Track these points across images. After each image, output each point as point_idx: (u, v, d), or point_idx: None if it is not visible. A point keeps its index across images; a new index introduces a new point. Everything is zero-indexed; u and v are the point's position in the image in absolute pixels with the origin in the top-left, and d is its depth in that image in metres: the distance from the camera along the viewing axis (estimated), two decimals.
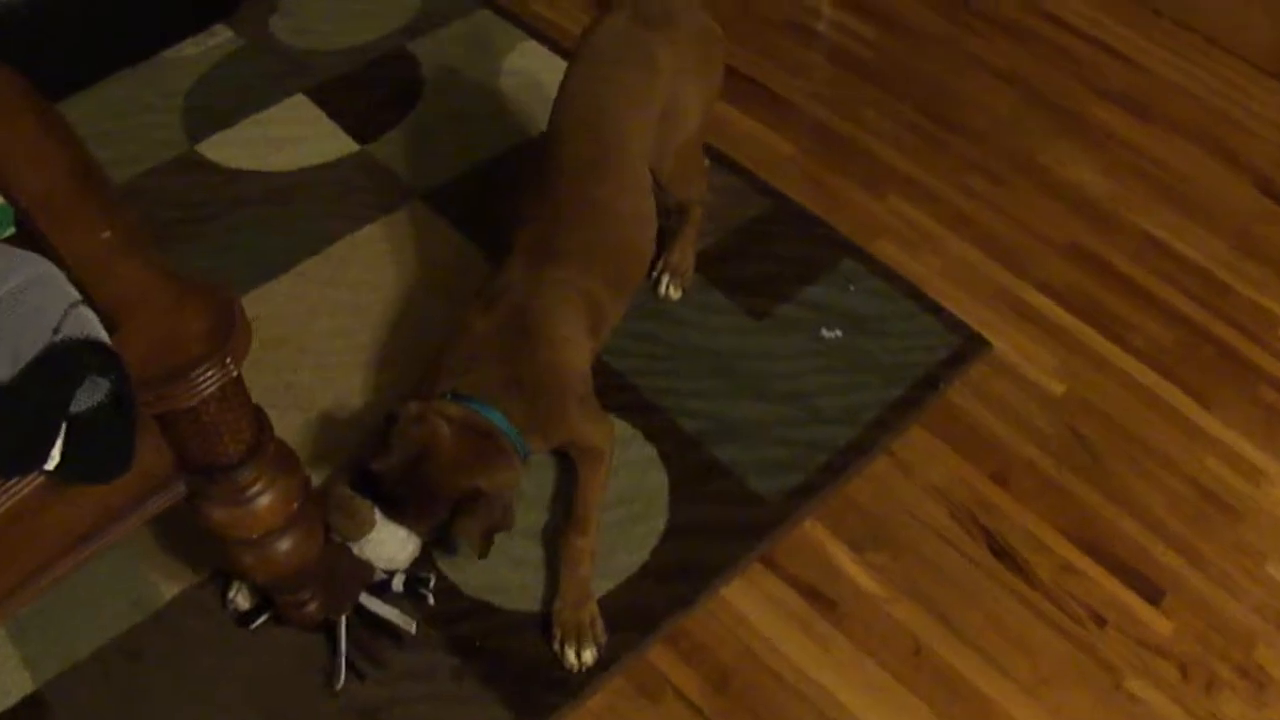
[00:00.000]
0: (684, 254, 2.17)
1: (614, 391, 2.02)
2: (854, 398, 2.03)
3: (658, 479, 1.92)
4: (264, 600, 1.74)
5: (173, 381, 1.19)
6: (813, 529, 1.89)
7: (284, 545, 1.47)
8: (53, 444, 1.12)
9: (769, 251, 2.25)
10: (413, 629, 1.72)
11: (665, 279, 2.16)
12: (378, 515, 1.71)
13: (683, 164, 2.01)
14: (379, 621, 1.72)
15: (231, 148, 2.41)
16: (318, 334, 2.10)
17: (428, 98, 2.53)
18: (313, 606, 1.69)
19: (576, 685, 1.71)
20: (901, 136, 2.51)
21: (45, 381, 1.11)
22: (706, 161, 2.22)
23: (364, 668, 1.70)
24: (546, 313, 1.79)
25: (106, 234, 1.30)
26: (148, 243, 1.31)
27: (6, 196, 1.32)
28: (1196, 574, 1.85)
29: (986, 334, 2.13)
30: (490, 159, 2.40)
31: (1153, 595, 1.82)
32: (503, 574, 1.81)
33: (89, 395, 1.12)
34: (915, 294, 2.19)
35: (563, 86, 1.92)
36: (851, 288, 2.20)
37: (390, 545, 1.73)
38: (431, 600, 1.75)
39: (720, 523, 1.87)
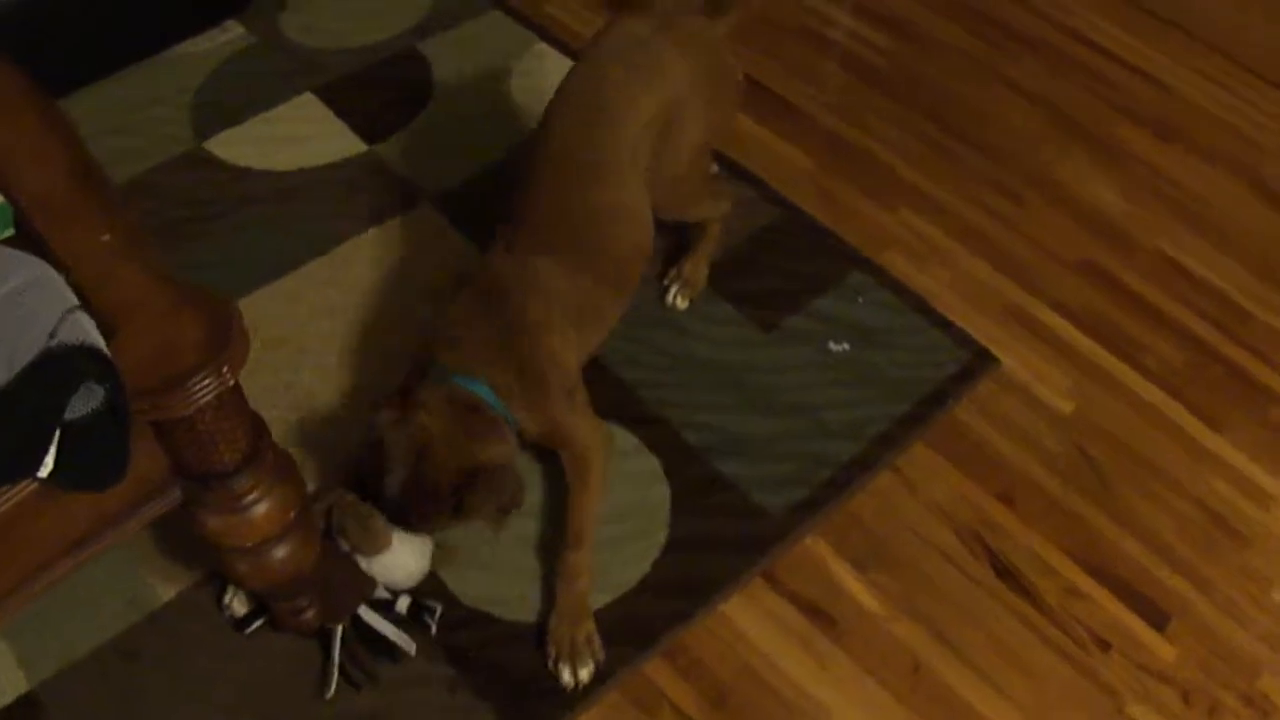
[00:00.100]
0: (696, 267, 2.15)
1: (618, 403, 2.00)
2: (860, 412, 2.01)
3: (660, 492, 1.90)
4: (260, 604, 1.73)
5: (168, 390, 1.17)
6: (815, 545, 1.87)
7: (280, 553, 1.46)
8: (46, 451, 1.11)
9: (778, 263, 2.24)
10: (412, 650, 1.70)
11: (674, 289, 2.14)
12: (395, 537, 1.70)
13: (674, 192, 1.97)
14: (378, 638, 1.70)
15: (239, 145, 2.40)
16: (319, 335, 2.09)
17: (437, 99, 2.51)
18: (309, 614, 1.68)
19: (572, 699, 1.69)
20: (915, 149, 2.49)
21: (40, 387, 1.10)
22: (717, 168, 2.20)
23: (358, 678, 1.69)
24: (529, 298, 1.77)
25: (106, 236, 1.29)
26: (147, 246, 1.30)
27: (6, 196, 1.31)
28: (1203, 599, 1.83)
29: (995, 351, 2.11)
30: (499, 163, 2.38)
31: (1158, 620, 1.80)
32: (502, 584, 1.80)
33: (84, 402, 1.11)
34: (924, 308, 2.17)
35: (565, 81, 1.90)
36: (860, 300, 2.18)
37: (400, 570, 1.72)
38: (434, 630, 1.74)
39: (722, 537, 1.86)
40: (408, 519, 1.68)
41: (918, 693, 1.72)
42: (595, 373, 2.03)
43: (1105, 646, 1.77)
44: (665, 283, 2.15)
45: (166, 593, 1.78)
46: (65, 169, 1.32)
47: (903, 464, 1.96)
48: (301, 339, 2.08)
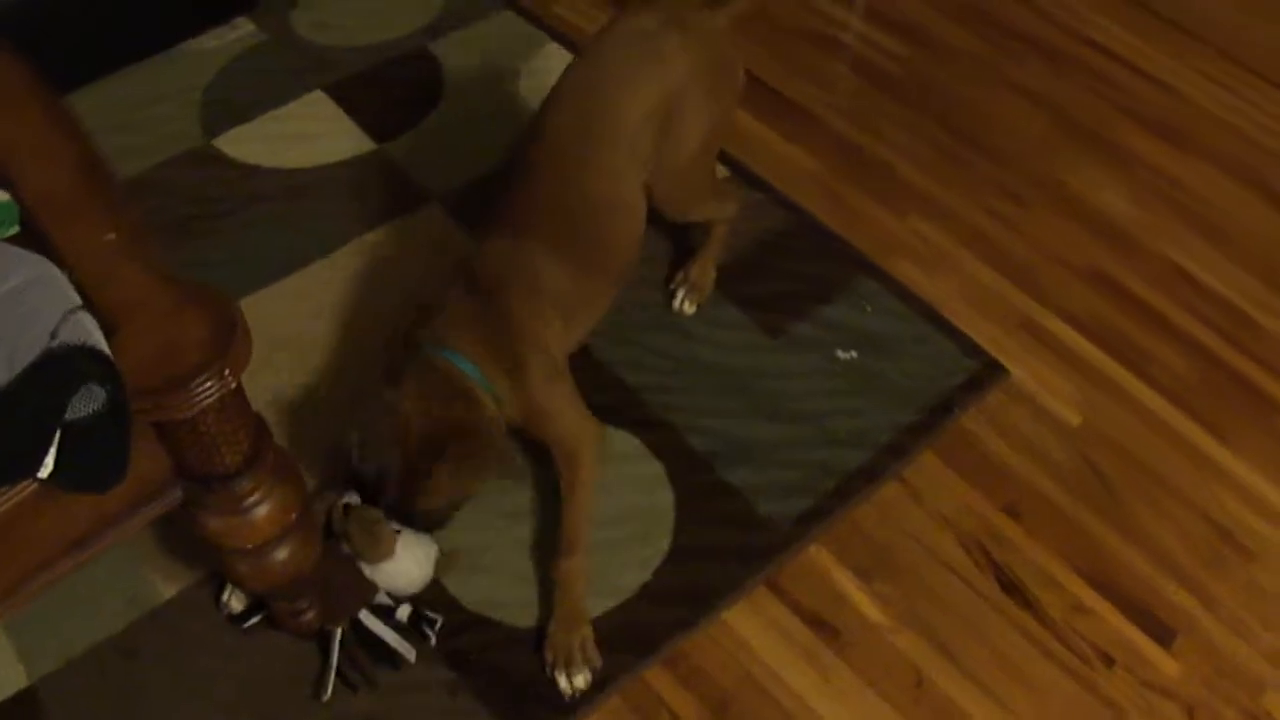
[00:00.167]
0: (704, 271, 2.14)
1: (623, 406, 2.00)
2: (866, 421, 2.00)
3: (664, 498, 1.90)
4: (258, 601, 1.72)
5: (170, 391, 1.17)
6: (819, 554, 1.86)
7: (280, 555, 1.46)
8: (46, 452, 1.10)
9: (786, 268, 2.22)
10: (411, 657, 1.70)
11: (681, 293, 2.13)
12: (399, 545, 1.69)
13: (679, 189, 1.95)
14: (378, 643, 1.70)
15: (248, 143, 2.39)
16: (325, 333, 2.08)
17: (447, 99, 2.50)
18: (309, 615, 1.67)
19: (572, 705, 1.68)
20: (925, 154, 2.47)
21: (40, 388, 1.09)
22: (724, 171, 2.19)
23: (355, 680, 1.69)
24: (518, 286, 1.76)
25: (110, 235, 1.28)
26: (150, 244, 1.29)
27: (11, 193, 1.31)
28: (1208, 615, 1.81)
29: (1003, 360, 2.10)
30: (506, 163, 2.37)
31: (1163, 636, 1.79)
32: (503, 589, 1.79)
33: (85, 403, 1.11)
34: (933, 316, 2.15)
35: (566, 71, 1.88)
36: (868, 308, 2.16)
37: (403, 578, 1.72)
38: (434, 641, 1.73)
39: (725, 545, 1.85)
40: (409, 506, 1.68)
41: (920, 706, 1.71)
42: (599, 375, 2.03)
43: (1109, 662, 1.76)
44: (672, 287, 2.14)
45: (167, 590, 1.78)
46: (71, 166, 1.31)
47: (909, 474, 1.95)
48: (307, 337, 2.08)
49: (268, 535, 1.41)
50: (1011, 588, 1.83)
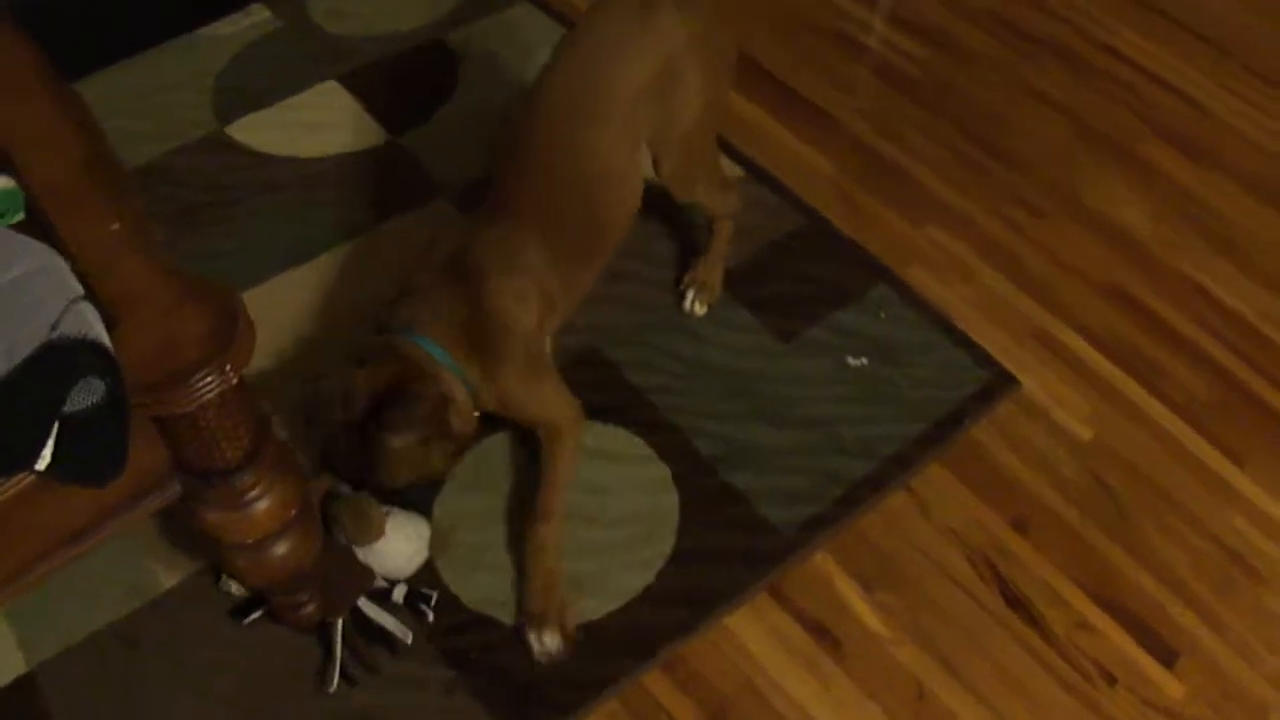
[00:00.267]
0: (711, 270, 2.13)
1: (629, 407, 1.98)
2: (876, 429, 1.98)
3: (669, 500, 1.88)
4: (258, 595, 1.72)
5: (170, 386, 1.16)
6: (823, 562, 1.85)
7: (280, 550, 1.45)
8: (44, 444, 1.10)
9: (799, 271, 2.21)
10: (409, 639, 1.70)
11: (691, 294, 2.11)
12: (388, 525, 1.69)
13: (684, 160, 1.93)
14: (375, 629, 1.70)
15: (261, 131, 2.38)
16: (333, 325, 2.07)
17: (463, 91, 2.49)
18: (309, 609, 1.67)
19: (568, 706, 1.67)
20: (944, 160, 2.45)
21: (39, 380, 1.08)
22: (726, 166, 2.17)
23: (356, 673, 1.68)
24: (500, 268, 1.75)
25: (115, 225, 1.27)
26: (153, 235, 1.28)
27: (18, 181, 1.30)
28: (1214, 638, 1.79)
29: (1016, 372, 2.08)
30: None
31: (1167, 657, 1.77)
32: (504, 587, 1.78)
33: (84, 396, 1.10)
34: (946, 326, 2.13)
35: (558, 46, 1.87)
36: (882, 315, 2.15)
37: (396, 557, 1.71)
38: (431, 618, 1.73)
39: (729, 550, 1.83)
40: (361, 469, 1.69)
41: (920, 718, 1.70)
42: (607, 375, 2.02)
43: (1112, 681, 1.74)
44: (681, 288, 2.13)
45: (168, 580, 1.77)
46: (77, 155, 1.30)
47: (917, 484, 1.93)
48: (315, 328, 2.07)
49: (268, 530, 1.41)
50: (1016, 602, 1.81)
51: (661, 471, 1.92)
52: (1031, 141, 2.51)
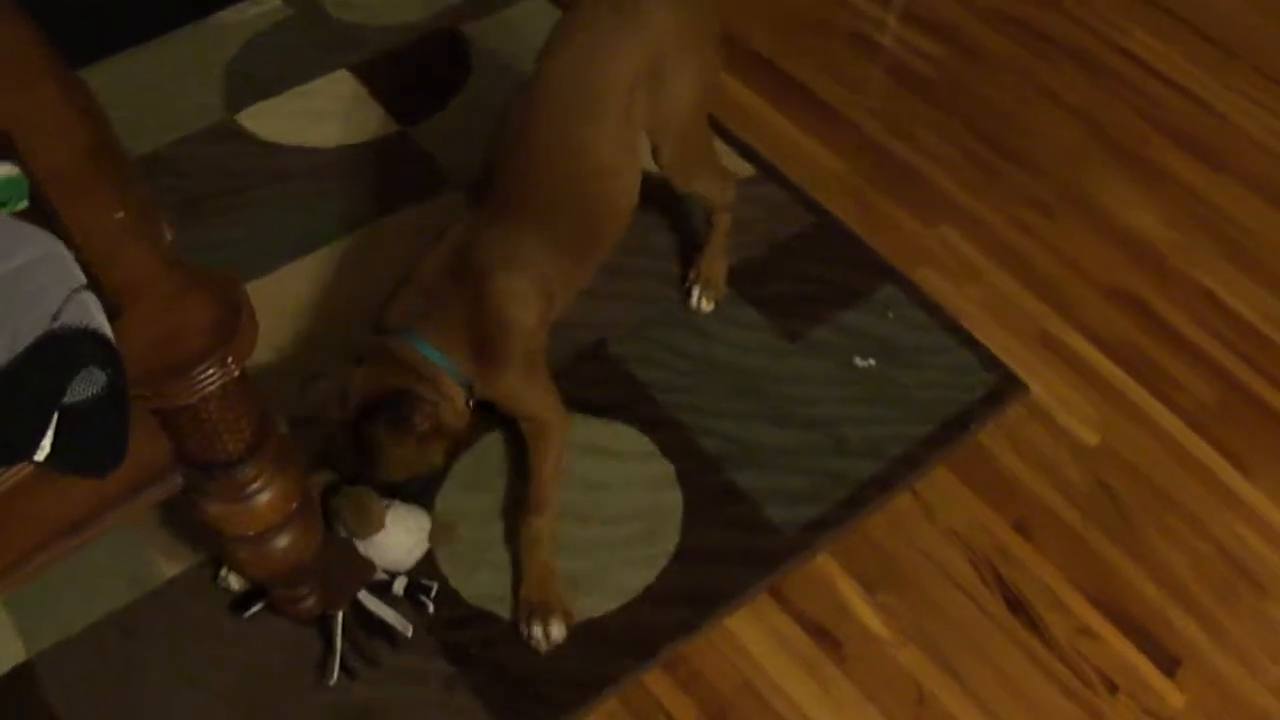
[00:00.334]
0: (714, 265, 2.12)
1: (634, 404, 1.98)
2: (881, 431, 1.97)
3: (672, 498, 1.88)
4: (258, 587, 1.71)
5: (171, 378, 1.16)
6: (825, 564, 1.84)
7: (281, 542, 1.45)
8: (44, 434, 1.09)
9: (808, 271, 2.20)
10: (409, 632, 1.69)
11: (697, 291, 2.10)
12: (389, 518, 1.69)
13: (683, 148, 1.92)
14: (376, 621, 1.69)
15: (270, 119, 2.38)
16: (338, 316, 2.07)
17: (474, 83, 2.48)
18: (309, 602, 1.66)
19: (568, 704, 1.67)
20: (956, 161, 2.44)
21: (40, 369, 1.08)
22: (736, 164, 2.16)
23: (356, 666, 1.68)
24: (500, 267, 1.75)
25: (120, 214, 1.27)
26: (158, 225, 1.28)
27: (23, 168, 1.29)
28: (1216, 647, 1.78)
29: (1023, 375, 2.06)
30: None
31: (1168, 665, 1.76)
32: (505, 583, 1.78)
33: (85, 387, 1.09)
34: (954, 328, 2.12)
35: (549, 41, 1.86)
36: (890, 315, 2.14)
37: (396, 549, 1.71)
38: (431, 609, 1.73)
39: (732, 550, 1.83)
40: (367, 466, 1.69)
41: None
42: (612, 370, 2.02)
43: (1113, 688, 1.74)
44: (687, 285, 2.12)
45: (169, 570, 1.77)
46: (82, 143, 1.30)
47: (921, 487, 1.93)
48: (321, 319, 2.06)
49: (269, 523, 1.40)
50: (1018, 607, 1.81)
51: (665, 469, 1.91)
52: (1044, 142, 2.49)
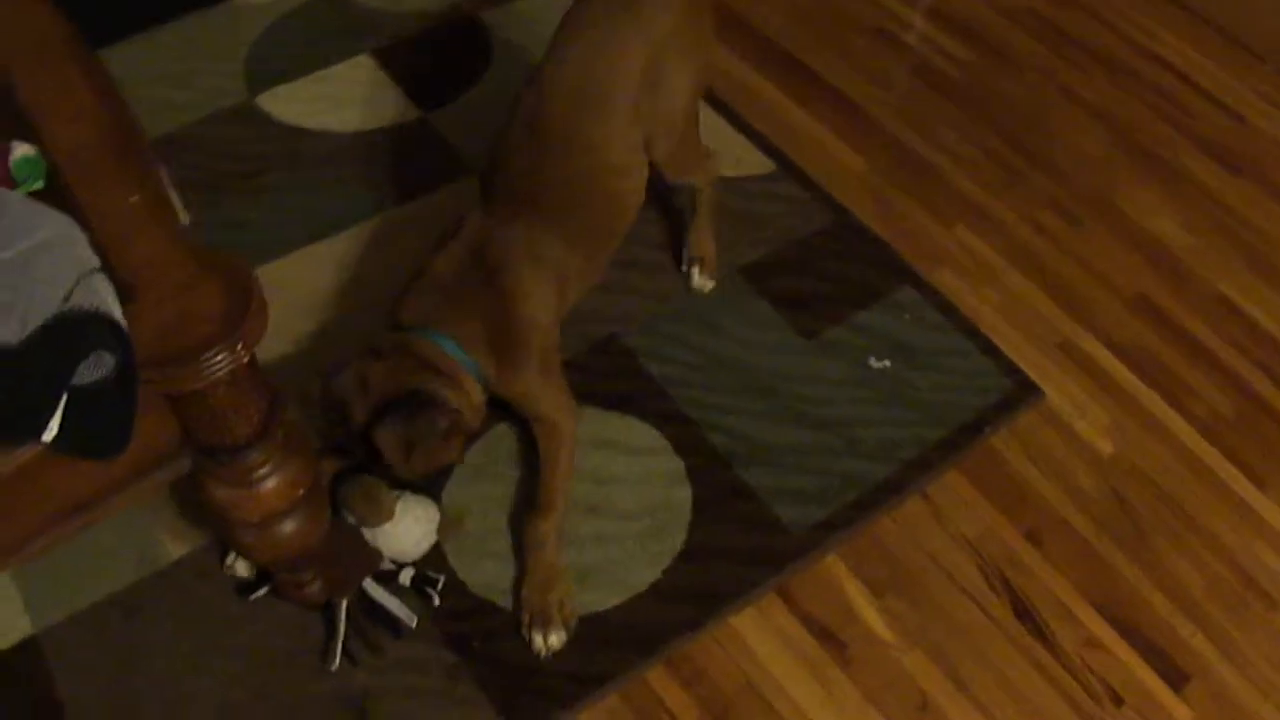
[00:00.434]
0: (703, 241, 2.11)
1: (646, 398, 1.97)
2: (894, 433, 1.96)
3: (682, 495, 1.87)
4: (264, 571, 1.71)
5: (181, 362, 1.16)
6: (833, 565, 1.83)
7: (288, 528, 1.44)
8: (51, 415, 1.09)
9: (825, 269, 2.18)
10: (413, 623, 1.70)
11: (695, 271, 2.10)
12: (398, 508, 1.68)
13: (679, 145, 1.92)
14: (380, 610, 1.69)
15: (291, 102, 2.37)
16: (354, 301, 2.06)
17: (495, 71, 2.47)
18: (314, 587, 1.66)
19: (570, 698, 1.67)
20: (978, 163, 2.42)
21: (50, 351, 1.08)
22: (758, 162, 2.16)
23: (359, 653, 1.68)
24: (514, 264, 1.75)
25: (135, 198, 1.26)
26: (173, 209, 1.27)
27: (40, 149, 1.29)
28: (1225, 664, 1.77)
29: (1039, 381, 2.05)
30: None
31: (1176, 680, 1.75)
32: (510, 574, 1.78)
33: (93, 369, 1.09)
34: (972, 331, 2.11)
35: (554, 40, 1.86)
36: (907, 317, 2.12)
37: (404, 540, 1.71)
38: (437, 601, 1.72)
39: (739, 548, 1.82)
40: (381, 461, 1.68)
41: None
42: (624, 364, 2.01)
43: (1119, 701, 1.72)
44: (684, 268, 2.12)
45: (176, 550, 1.78)
46: (100, 125, 1.29)
47: (933, 491, 1.91)
48: (335, 303, 2.06)
49: (275, 508, 1.40)
50: (1026, 616, 1.79)
51: (675, 464, 1.90)
52: (1068, 146, 2.47)
